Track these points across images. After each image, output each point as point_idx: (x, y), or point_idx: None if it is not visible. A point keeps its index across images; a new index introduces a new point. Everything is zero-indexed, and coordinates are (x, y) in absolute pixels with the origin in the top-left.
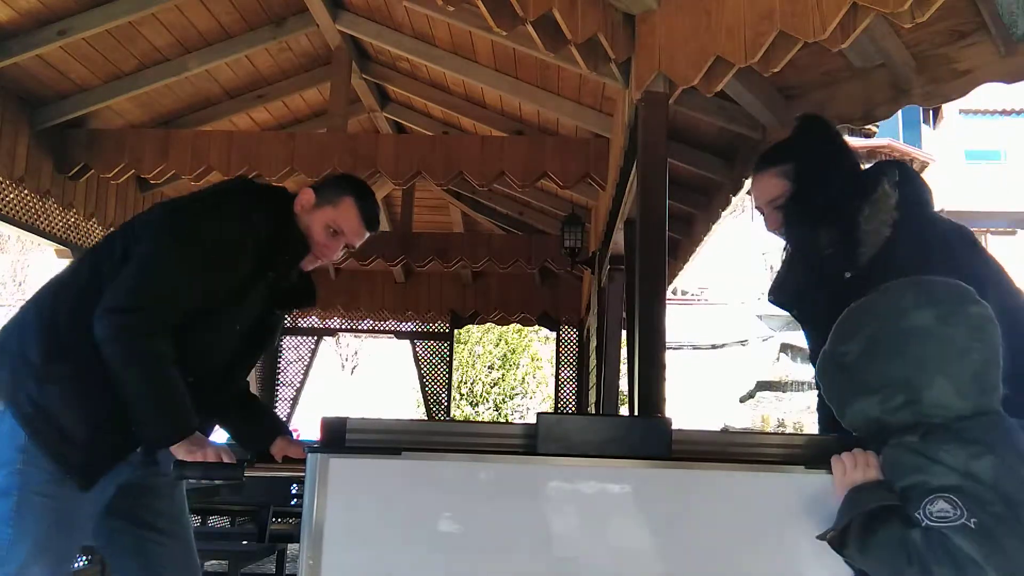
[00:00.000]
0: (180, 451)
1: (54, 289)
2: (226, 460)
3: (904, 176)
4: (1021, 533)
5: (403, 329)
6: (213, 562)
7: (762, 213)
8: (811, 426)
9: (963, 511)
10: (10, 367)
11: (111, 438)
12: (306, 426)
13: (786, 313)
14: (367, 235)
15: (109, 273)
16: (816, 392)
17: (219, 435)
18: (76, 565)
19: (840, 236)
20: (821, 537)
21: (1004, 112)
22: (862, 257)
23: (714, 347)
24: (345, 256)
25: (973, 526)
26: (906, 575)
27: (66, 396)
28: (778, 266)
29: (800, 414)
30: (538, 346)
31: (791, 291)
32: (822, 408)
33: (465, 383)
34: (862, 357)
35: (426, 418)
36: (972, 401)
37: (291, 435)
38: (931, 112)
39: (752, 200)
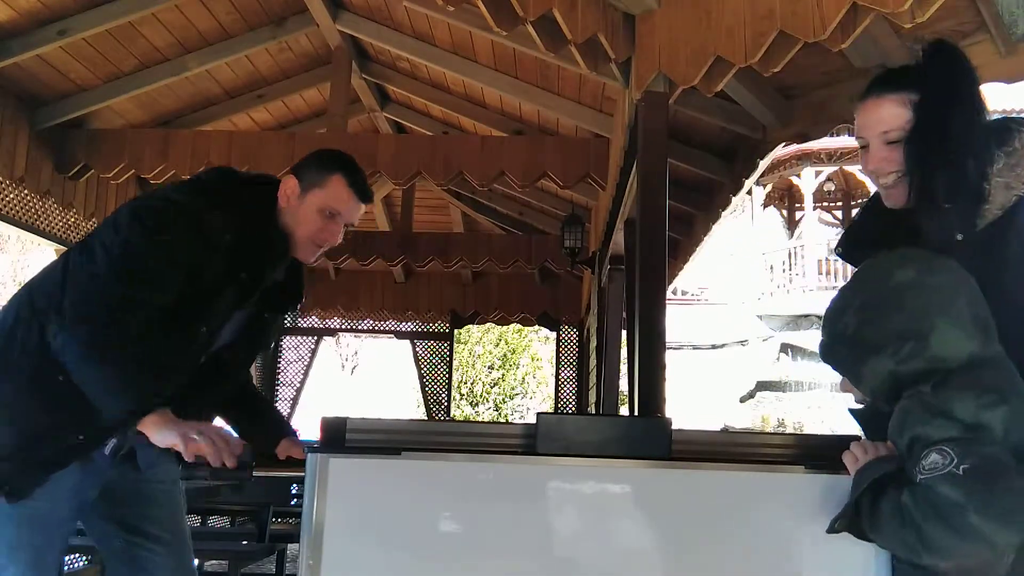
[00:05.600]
0: (153, 433)
1: (29, 290)
2: (204, 443)
3: None
4: (1020, 485)
5: (403, 329)
6: (213, 562)
7: (863, 147)
8: (811, 426)
9: (952, 458)
10: None
11: (42, 450)
12: (306, 426)
13: (788, 313)
14: (364, 209)
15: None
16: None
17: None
18: (75, 565)
19: (962, 189)
20: (833, 528)
21: (1004, 112)
22: (983, 217)
23: (714, 347)
24: (347, 238)
25: (961, 472)
26: (905, 540)
27: None
28: (777, 266)
29: (800, 414)
30: (538, 346)
31: (868, 243)
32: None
33: (465, 383)
34: (861, 324)
35: (426, 418)
36: (979, 341)
37: (295, 435)
38: None
39: (856, 129)
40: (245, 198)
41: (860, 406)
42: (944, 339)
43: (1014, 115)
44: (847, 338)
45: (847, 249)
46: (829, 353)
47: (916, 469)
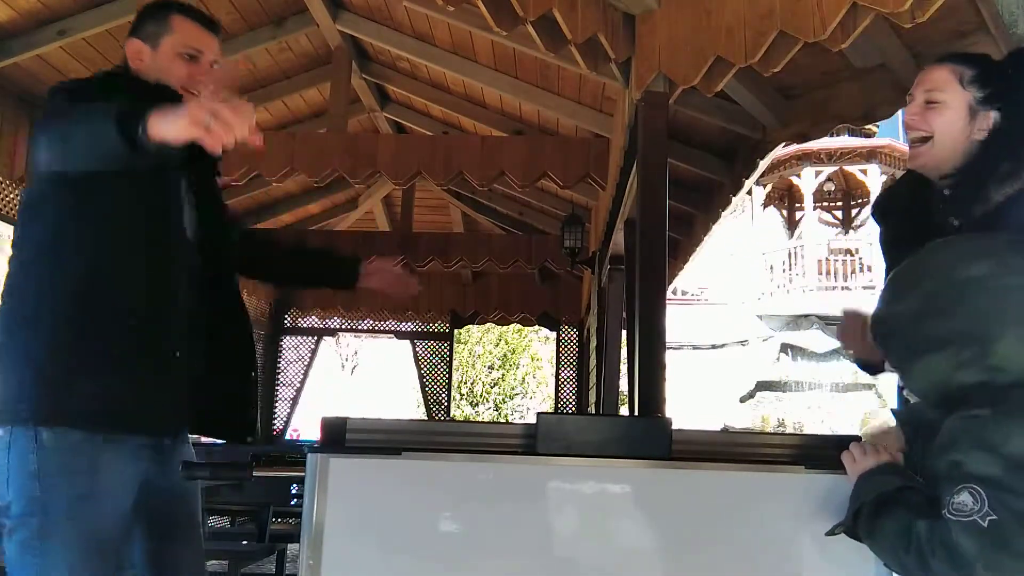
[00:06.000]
0: (163, 127)
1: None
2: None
3: None
4: None
5: (403, 329)
6: (213, 562)
7: (910, 100)
8: (811, 426)
9: (982, 505)
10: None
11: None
12: (306, 426)
13: (788, 313)
14: (217, 42)
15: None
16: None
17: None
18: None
19: (971, 177)
20: (832, 532)
21: None
22: (983, 205)
23: (714, 347)
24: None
25: (986, 524)
26: (904, 562)
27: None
28: (777, 266)
29: (800, 414)
30: (538, 346)
31: (899, 208)
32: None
33: (465, 383)
34: (923, 313)
35: (426, 418)
36: None
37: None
38: None
39: (913, 88)
40: (108, 76)
41: (902, 408)
42: (1010, 351)
43: None
44: (906, 323)
45: (882, 208)
46: (881, 335)
47: (948, 498)
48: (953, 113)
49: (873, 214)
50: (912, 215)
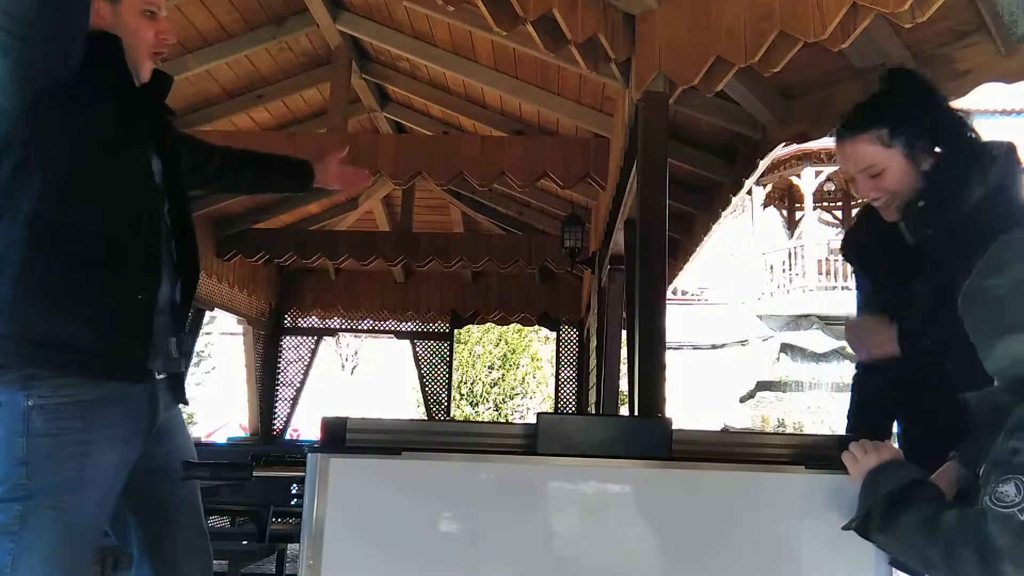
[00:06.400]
0: None
1: None
2: None
3: (1011, 152)
4: None
5: (403, 329)
6: (213, 562)
7: (850, 179)
8: (811, 426)
9: None
10: None
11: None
12: (306, 426)
13: (788, 313)
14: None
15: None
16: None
17: (228, 430)
18: None
19: (936, 186)
20: (846, 527)
21: (1004, 112)
22: (955, 213)
23: (714, 347)
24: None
25: (1023, 518)
26: (927, 555)
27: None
28: (777, 266)
29: (800, 414)
30: (538, 346)
31: (869, 245)
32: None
33: (465, 383)
34: (1013, 292)
35: (426, 418)
36: None
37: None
38: None
39: (839, 161)
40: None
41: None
42: None
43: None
44: (992, 300)
45: (848, 251)
46: (968, 307)
47: (992, 486)
48: (897, 168)
49: (846, 255)
50: (883, 242)
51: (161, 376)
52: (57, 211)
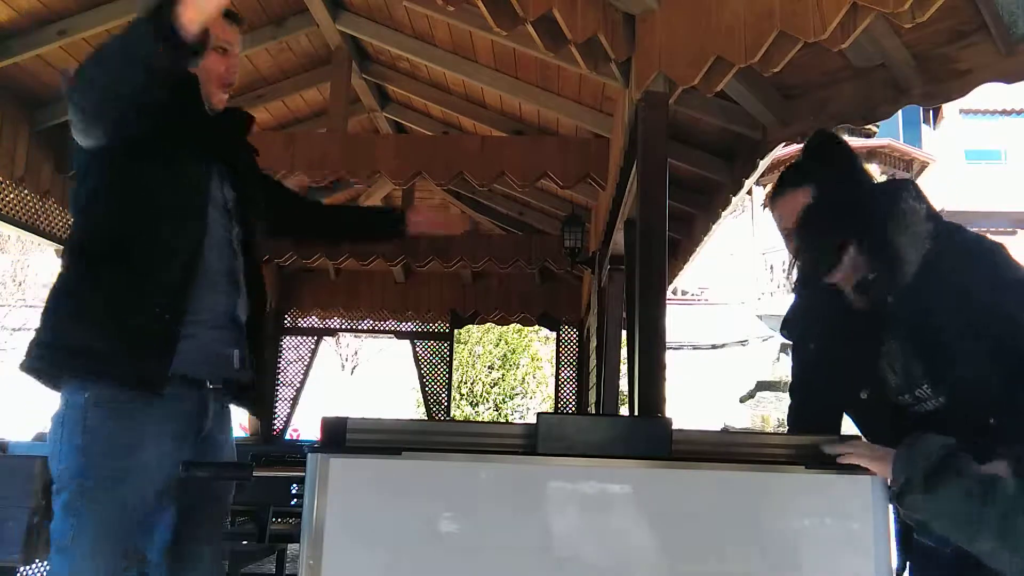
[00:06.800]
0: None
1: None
2: None
3: (918, 192)
4: None
5: (403, 329)
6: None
7: (787, 238)
8: None
9: None
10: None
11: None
12: (306, 426)
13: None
14: (238, 30)
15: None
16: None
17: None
18: None
19: (881, 256)
20: (890, 488)
21: (1004, 112)
22: (907, 275)
23: (714, 347)
24: None
25: None
26: (980, 515)
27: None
28: (778, 267)
29: None
30: (538, 346)
31: (800, 321)
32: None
33: (465, 383)
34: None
35: (426, 418)
36: None
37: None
38: (931, 112)
39: (776, 219)
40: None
41: None
42: None
43: (893, 178)
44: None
45: (791, 331)
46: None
47: None
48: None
49: (788, 335)
50: (828, 313)
51: (215, 385)
52: (106, 228)
